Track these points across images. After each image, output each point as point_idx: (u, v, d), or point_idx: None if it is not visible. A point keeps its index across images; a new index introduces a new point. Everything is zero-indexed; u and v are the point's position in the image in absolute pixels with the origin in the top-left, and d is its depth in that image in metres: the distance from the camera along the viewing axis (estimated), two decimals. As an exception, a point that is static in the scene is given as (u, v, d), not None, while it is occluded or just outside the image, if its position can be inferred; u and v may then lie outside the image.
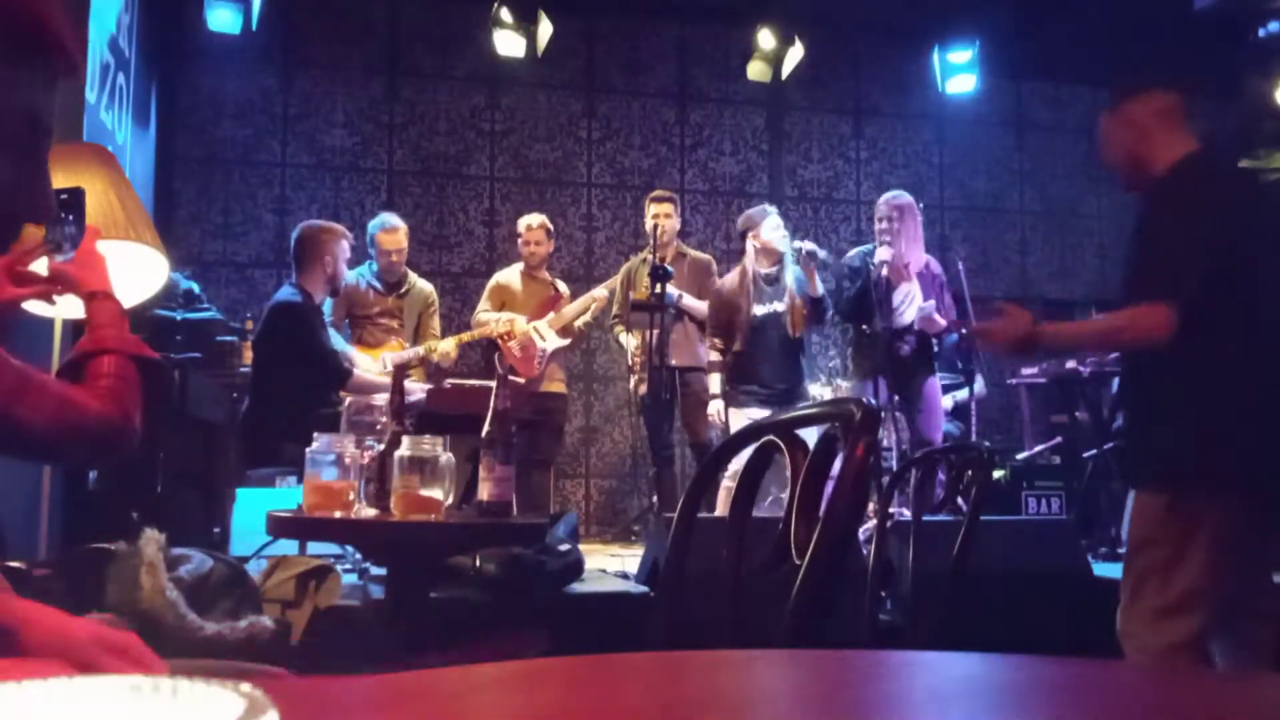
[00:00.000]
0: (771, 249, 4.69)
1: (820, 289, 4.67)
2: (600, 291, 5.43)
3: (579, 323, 5.36)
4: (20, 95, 1.02)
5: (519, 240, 5.43)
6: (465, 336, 5.19)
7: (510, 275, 5.43)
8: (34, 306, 1.57)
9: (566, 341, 5.34)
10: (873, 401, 1.01)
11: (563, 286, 5.48)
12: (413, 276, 5.17)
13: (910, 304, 4.67)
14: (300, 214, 6.21)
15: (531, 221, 5.39)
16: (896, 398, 4.58)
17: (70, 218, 1.39)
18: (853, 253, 4.91)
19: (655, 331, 4.81)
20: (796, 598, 0.93)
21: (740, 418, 4.65)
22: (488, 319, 5.26)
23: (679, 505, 1.27)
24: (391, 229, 5.00)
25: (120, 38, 4.77)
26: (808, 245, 4.67)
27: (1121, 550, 4.45)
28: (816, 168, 7.51)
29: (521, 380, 4.90)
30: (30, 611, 1.00)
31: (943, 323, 4.63)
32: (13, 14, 0.99)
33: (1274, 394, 2.16)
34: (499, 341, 5.21)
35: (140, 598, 1.78)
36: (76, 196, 1.41)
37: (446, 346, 4.85)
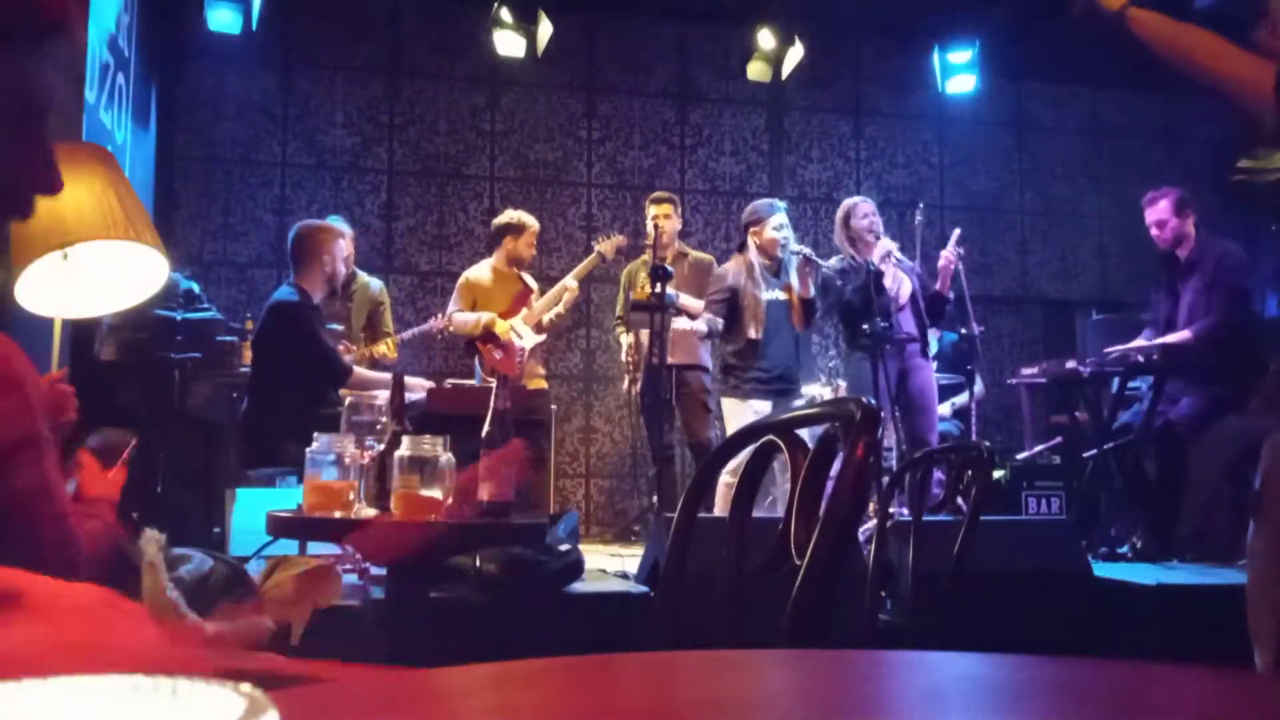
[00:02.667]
0: (770, 249, 4.69)
1: (812, 291, 4.68)
2: (570, 282, 5.35)
3: (549, 316, 5.31)
4: (12, 73, 1.01)
5: (518, 241, 5.35)
6: (396, 339, 5.14)
7: (481, 272, 5.36)
8: (35, 306, 1.57)
9: (543, 338, 5.31)
10: (873, 401, 1.01)
11: (531, 281, 5.42)
12: (362, 276, 5.15)
13: (901, 286, 4.73)
14: (300, 214, 6.21)
15: (536, 225, 5.38)
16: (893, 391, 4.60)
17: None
18: (832, 260, 4.90)
19: (656, 331, 4.80)
20: (796, 598, 0.93)
21: (744, 409, 4.63)
22: (465, 320, 5.22)
23: (679, 505, 1.27)
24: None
25: (120, 38, 4.77)
26: (805, 249, 4.68)
27: (1121, 550, 4.46)
28: (816, 168, 7.51)
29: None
30: (31, 577, 1.00)
31: (953, 262, 4.67)
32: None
33: None
34: (478, 345, 5.18)
35: (140, 598, 1.78)
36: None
37: (383, 348, 4.86)
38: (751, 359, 4.66)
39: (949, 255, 4.68)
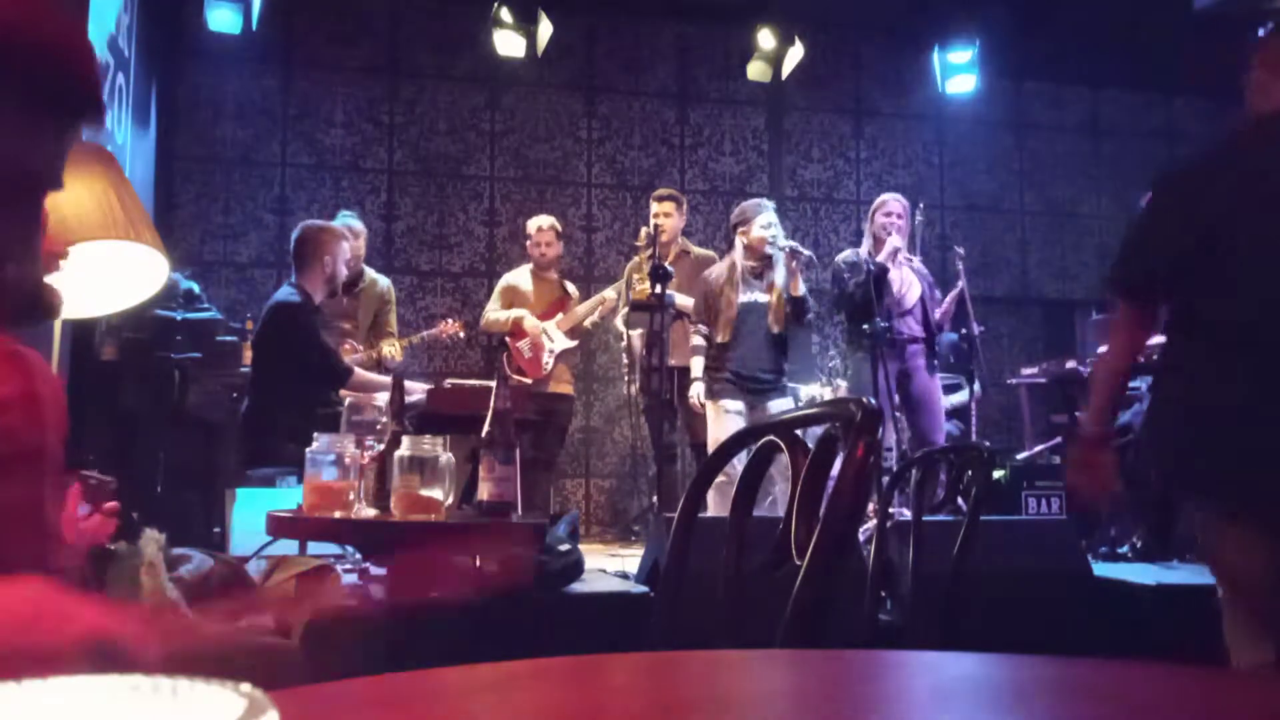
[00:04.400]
0: (758, 248, 4.68)
1: (802, 289, 4.65)
2: (609, 293, 5.48)
3: (587, 323, 5.40)
4: (38, 152, 1.00)
5: (528, 242, 5.45)
6: (405, 341, 5.12)
7: (520, 276, 5.46)
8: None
9: (575, 343, 5.38)
10: (873, 401, 1.01)
11: (571, 288, 5.53)
12: (369, 273, 5.10)
13: (910, 289, 4.74)
14: (300, 214, 6.21)
15: (542, 223, 5.43)
16: (897, 397, 4.60)
17: None
18: (847, 252, 4.92)
19: (656, 331, 4.80)
20: (796, 598, 0.93)
21: (717, 409, 4.63)
22: (497, 318, 5.29)
23: (679, 505, 1.27)
24: (353, 235, 4.87)
25: (120, 38, 4.77)
26: (792, 244, 4.68)
27: (1121, 550, 4.46)
28: (816, 168, 7.51)
29: (529, 381, 4.92)
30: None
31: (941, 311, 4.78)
32: (51, 69, 0.97)
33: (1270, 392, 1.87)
34: (508, 341, 5.25)
35: (140, 598, 1.78)
36: None
37: (391, 349, 4.83)
38: (723, 360, 4.67)
39: (952, 301, 4.85)
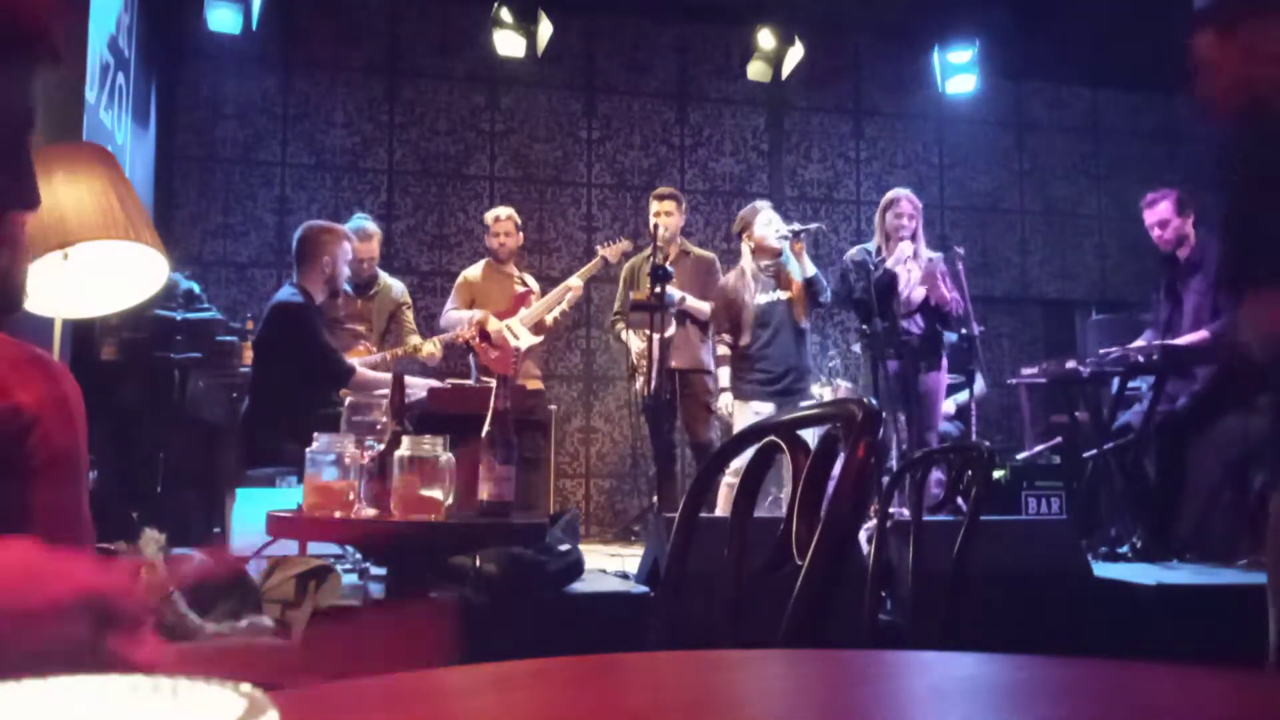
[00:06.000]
0: (767, 246, 4.72)
1: (811, 269, 4.69)
2: (575, 281, 5.35)
3: (551, 316, 5.29)
4: (5, 93, 1.01)
5: (486, 233, 5.40)
6: (440, 340, 5.06)
7: (476, 271, 5.37)
8: (35, 306, 1.56)
9: (540, 338, 5.29)
10: (874, 401, 1.01)
11: (531, 281, 5.42)
12: (384, 277, 5.07)
13: (916, 288, 4.71)
14: (300, 214, 6.22)
15: (500, 213, 5.35)
16: (894, 391, 4.60)
17: None
18: (854, 250, 4.90)
19: (656, 332, 4.80)
20: (797, 597, 0.93)
21: (745, 411, 4.67)
22: (458, 318, 5.19)
23: (680, 505, 1.27)
24: (366, 236, 4.88)
25: (120, 38, 4.77)
26: (792, 228, 4.70)
27: (1121, 550, 4.45)
28: (816, 168, 7.51)
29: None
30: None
31: (948, 296, 4.66)
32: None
33: None
34: (472, 342, 5.16)
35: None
36: None
37: (431, 347, 4.78)
38: (751, 362, 4.71)
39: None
